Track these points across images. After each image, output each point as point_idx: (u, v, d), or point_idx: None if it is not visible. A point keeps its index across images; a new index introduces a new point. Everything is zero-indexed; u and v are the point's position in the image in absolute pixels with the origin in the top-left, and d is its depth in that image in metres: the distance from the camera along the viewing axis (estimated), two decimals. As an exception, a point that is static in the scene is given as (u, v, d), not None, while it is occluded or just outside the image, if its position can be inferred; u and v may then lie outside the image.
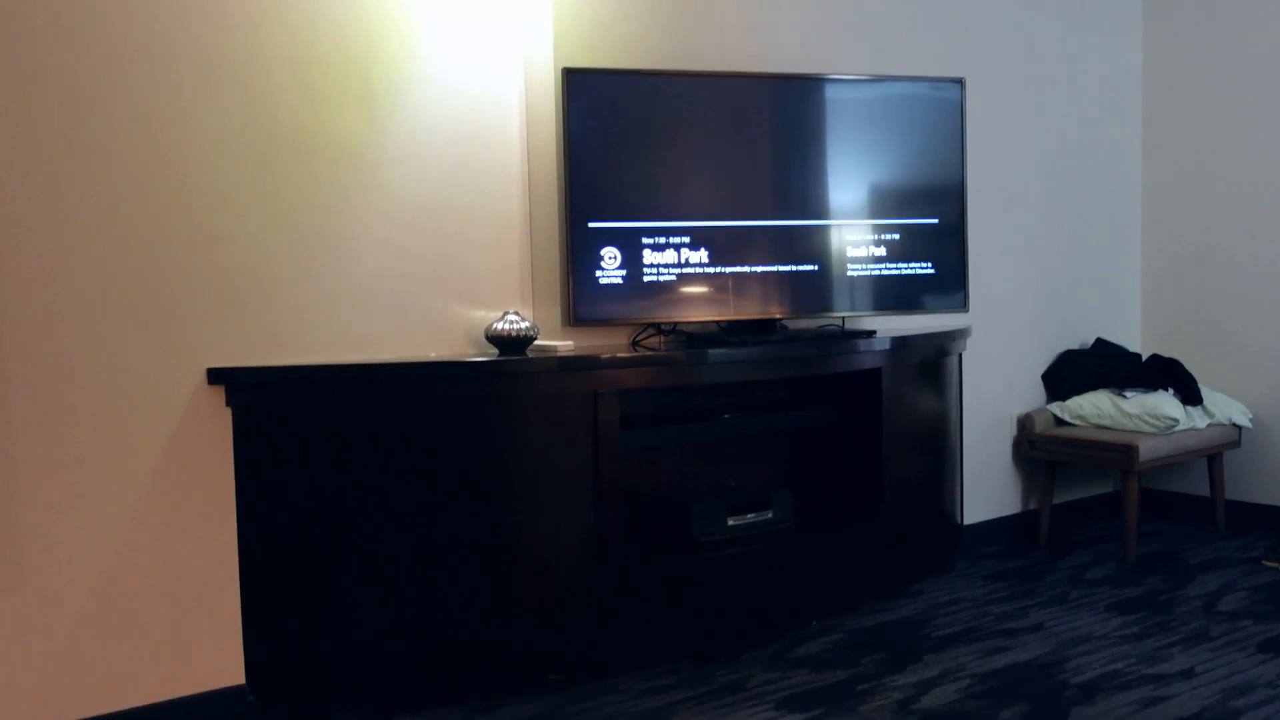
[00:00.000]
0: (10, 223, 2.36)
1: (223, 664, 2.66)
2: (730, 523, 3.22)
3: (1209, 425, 4.13)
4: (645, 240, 3.16)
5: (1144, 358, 4.46)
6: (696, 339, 3.25)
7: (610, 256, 3.13)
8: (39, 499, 2.42)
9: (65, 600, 2.45)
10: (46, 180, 2.40)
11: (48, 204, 2.41)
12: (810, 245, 3.37)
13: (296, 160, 2.74)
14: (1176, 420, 3.96)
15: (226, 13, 2.62)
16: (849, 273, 3.42)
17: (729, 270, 3.26)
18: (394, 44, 2.88)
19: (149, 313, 2.54)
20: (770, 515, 3.30)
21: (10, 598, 2.39)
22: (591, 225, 3.10)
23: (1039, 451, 4.20)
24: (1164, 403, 4.01)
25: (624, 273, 3.14)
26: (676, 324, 3.29)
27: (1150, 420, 3.98)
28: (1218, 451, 4.20)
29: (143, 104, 2.52)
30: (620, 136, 3.14)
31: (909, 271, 3.51)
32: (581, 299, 3.09)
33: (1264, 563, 3.83)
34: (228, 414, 2.65)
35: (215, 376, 2.62)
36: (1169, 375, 4.19)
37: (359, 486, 2.67)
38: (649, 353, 3.05)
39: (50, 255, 2.41)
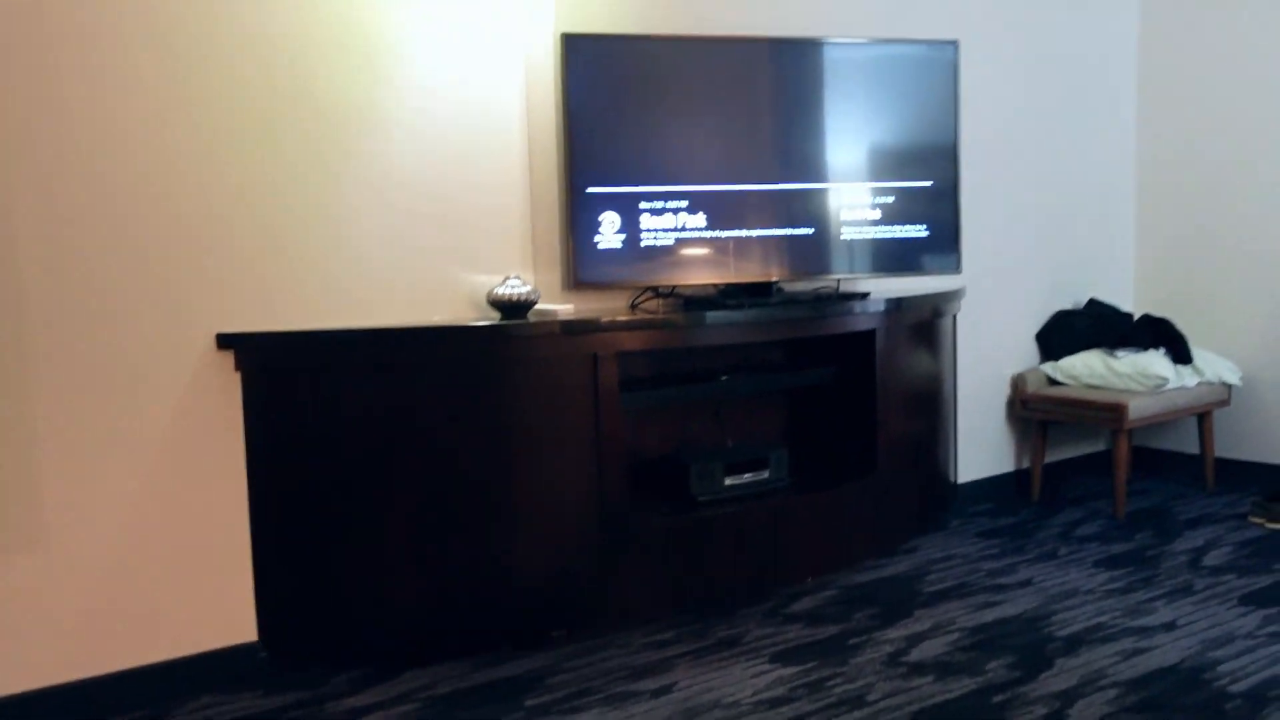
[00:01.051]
0: (26, 196, 2.41)
1: (235, 621, 2.74)
2: (727, 482, 3.30)
3: (1199, 384, 4.19)
4: (643, 205, 3.20)
5: (1136, 318, 4.52)
6: (694, 302, 3.31)
7: (609, 221, 3.17)
8: (58, 461, 2.49)
9: (84, 559, 2.53)
10: (57, 155, 2.45)
11: (60, 178, 2.45)
12: (806, 208, 3.41)
13: (298, 126, 2.78)
14: (1166, 379, 4.03)
15: (228, -18, 2.65)
16: (844, 235, 3.47)
17: (726, 234, 3.31)
18: (396, 6, 2.91)
19: (159, 280, 2.59)
20: (767, 474, 3.38)
21: (32, 556, 2.47)
22: (590, 190, 3.14)
23: (1032, 411, 4.27)
24: (1154, 362, 4.07)
25: (623, 237, 3.19)
26: (675, 287, 3.35)
27: (1141, 379, 4.05)
28: (1207, 410, 4.28)
29: (147, 74, 2.55)
30: (619, 101, 3.17)
31: (903, 234, 3.56)
32: (581, 263, 3.15)
33: (1250, 518, 3.92)
34: (237, 378, 2.71)
35: (224, 341, 2.68)
36: (1160, 335, 4.26)
37: (365, 448, 2.74)
38: (647, 316, 3.10)
39: (64, 228, 2.46)
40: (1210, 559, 3.49)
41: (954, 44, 3.61)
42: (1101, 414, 4.01)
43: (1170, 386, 4.06)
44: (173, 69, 2.59)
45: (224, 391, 2.70)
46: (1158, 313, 4.54)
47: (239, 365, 2.71)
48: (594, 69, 3.13)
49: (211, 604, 2.71)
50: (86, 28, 2.47)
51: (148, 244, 2.58)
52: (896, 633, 2.91)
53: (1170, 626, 2.91)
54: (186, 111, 2.61)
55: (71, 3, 2.45)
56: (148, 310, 2.58)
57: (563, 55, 3.09)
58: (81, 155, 2.48)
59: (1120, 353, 4.17)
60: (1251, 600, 3.09)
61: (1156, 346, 4.20)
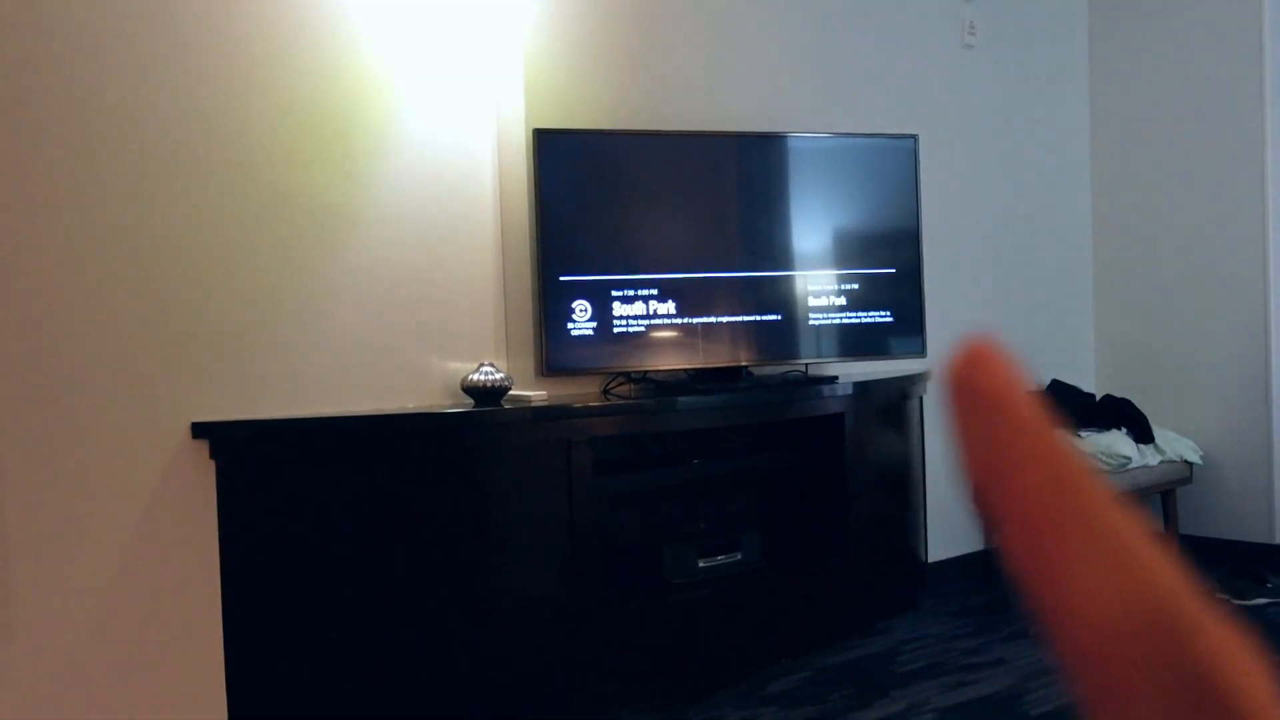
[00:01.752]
0: (2, 285, 2.44)
1: (206, 712, 2.71)
2: (701, 564, 3.32)
3: (1161, 463, 4.28)
4: (615, 292, 3.28)
5: (1098, 398, 4.62)
6: (666, 386, 3.37)
7: (581, 309, 3.24)
8: (27, 550, 2.48)
9: (52, 651, 2.51)
10: (35, 242, 2.49)
11: (35, 262, 2.49)
12: (774, 295, 3.50)
13: (277, 219, 2.84)
14: (1129, 459, 4.11)
15: (208, 77, 2.73)
16: (811, 321, 3.56)
17: (696, 320, 3.38)
18: (372, 106, 3.00)
19: (135, 369, 2.62)
20: (740, 556, 3.40)
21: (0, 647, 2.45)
22: (563, 278, 3.21)
23: (999, 490, 4.32)
24: (1117, 441, 4.16)
25: (595, 324, 3.26)
26: (646, 372, 3.40)
27: (1104, 459, 4.13)
28: (1170, 488, 4.36)
29: (127, 167, 2.62)
30: (590, 193, 3.27)
31: (869, 320, 3.65)
32: (554, 350, 3.20)
33: (1217, 596, 3.96)
34: (212, 466, 2.72)
35: (199, 430, 2.69)
36: (1121, 415, 4.36)
37: (340, 536, 2.75)
38: (620, 401, 3.15)
39: (40, 314, 2.49)
40: (1179, 636, 3.52)
41: (914, 137, 3.76)
42: (1067, 493, 4.06)
43: (1133, 465, 4.14)
44: (153, 168, 2.65)
45: (198, 481, 2.70)
46: (1118, 393, 4.65)
47: (213, 454, 2.72)
48: (565, 162, 3.23)
49: (182, 698, 2.68)
50: (70, 128, 2.54)
51: (123, 331, 2.61)
52: (873, 714, 2.92)
53: (1141, 704, 2.93)
54: (166, 203, 2.67)
55: (57, 87, 2.52)
56: (122, 398, 2.60)
57: (534, 149, 3.19)
58: (57, 240, 2.52)
59: (1084, 433, 4.25)
60: (1220, 676, 3.12)
61: (1119, 426, 4.29)
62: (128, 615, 2.61)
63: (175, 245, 2.69)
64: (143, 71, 2.64)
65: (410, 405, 3.05)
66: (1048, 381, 4.68)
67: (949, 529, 4.35)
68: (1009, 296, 4.60)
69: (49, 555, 2.50)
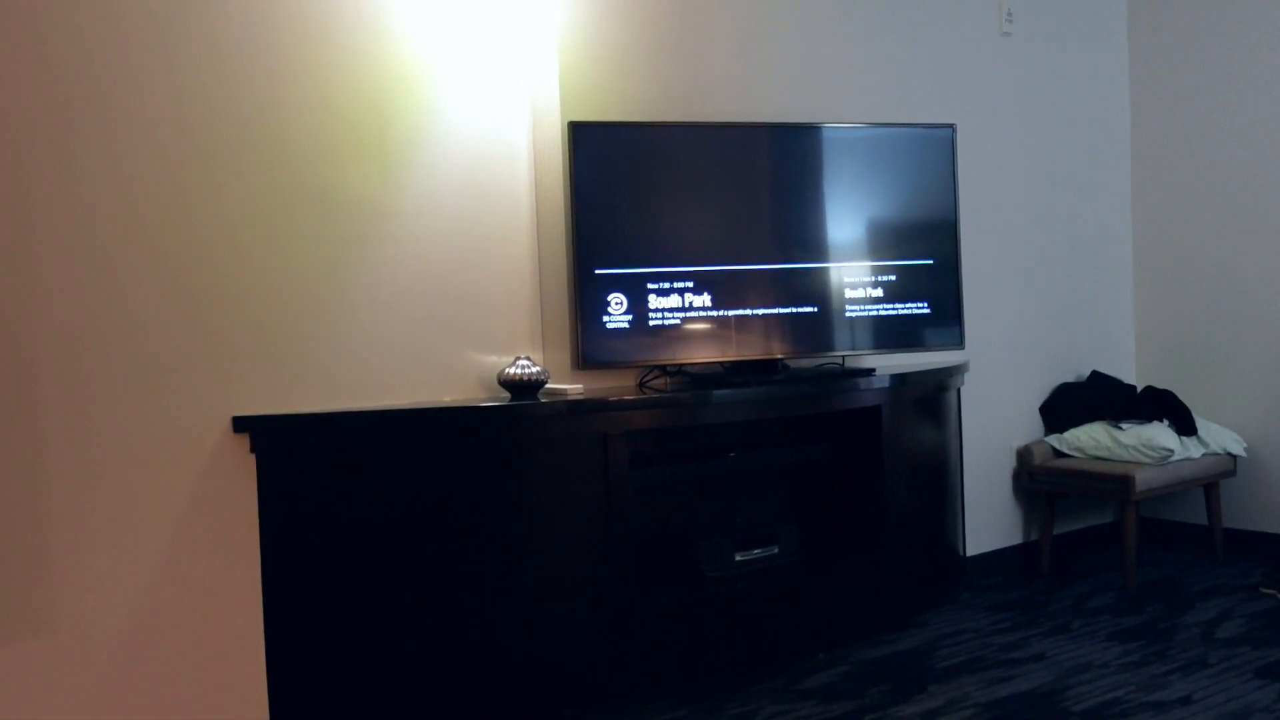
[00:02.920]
0: (45, 285, 2.47)
1: (247, 706, 2.73)
2: (738, 558, 3.31)
3: (1204, 455, 4.21)
4: (650, 285, 3.27)
5: (1139, 389, 4.56)
6: (701, 379, 3.36)
7: (616, 302, 3.23)
8: (71, 545, 2.51)
9: (95, 643, 2.54)
10: (78, 244, 2.52)
11: (80, 266, 2.52)
12: (810, 287, 3.48)
13: (314, 215, 2.86)
14: (1172, 450, 4.05)
15: (245, 76, 2.74)
16: (848, 313, 3.53)
17: (731, 313, 3.37)
18: (408, 100, 3.01)
19: (176, 365, 2.65)
20: (776, 550, 3.38)
21: (44, 640, 2.48)
22: (598, 272, 3.21)
23: (1038, 483, 4.28)
24: (1159, 434, 4.10)
25: (630, 317, 3.25)
26: (681, 365, 3.39)
27: (1146, 451, 4.07)
28: (1213, 480, 4.29)
29: (166, 168, 2.64)
30: (625, 186, 3.26)
31: (905, 311, 3.61)
32: (589, 343, 3.20)
33: (1261, 589, 3.91)
34: (252, 460, 2.74)
35: (240, 424, 2.72)
36: (1163, 406, 4.29)
37: (377, 529, 2.77)
38: (655, 394, 3.15)
39: (83, 313, 2.52)
40: (1223, 631, 3.47)
41: (951, 127, 3.71)
42: (1109, 486, 4.03)
43: (1176, 458, 4.08)
44: (191, 166, 2.67)
45: (239, 474, 2.73)
46: (1160, 384, 4.58)
47: (254, 447, 2.74)
48: (600, 155, 3.22)
49: (223, 688, 2.70)
50: (105, 129, 2.56)
51: (164, 327, 2.63)
52: (911, 709, 2.90)
53: (1186, 701, 2.89)
54: (205, 200, 2.69)
55: (91, 105, 2.54)
56: (164, 393, 2.63)
57: (569, 142, 3.18)
58: (99, 238, 2.55)
59: (1125, 424, 4.20)
60: (1267, 673, 3.07)
61: (1160, 418, 4.23)
62: (169, 607, 2.63)
63: (213, 241, 2.71)
64: (180, 68, 2.65)
65: (447, 399, 3.06)
66: (1088, 373, 4.63)
67: (987, 522, 4.32)
68: (1048, 287, 4.54)
69: (92, 548, 2.53)
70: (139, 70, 2.60)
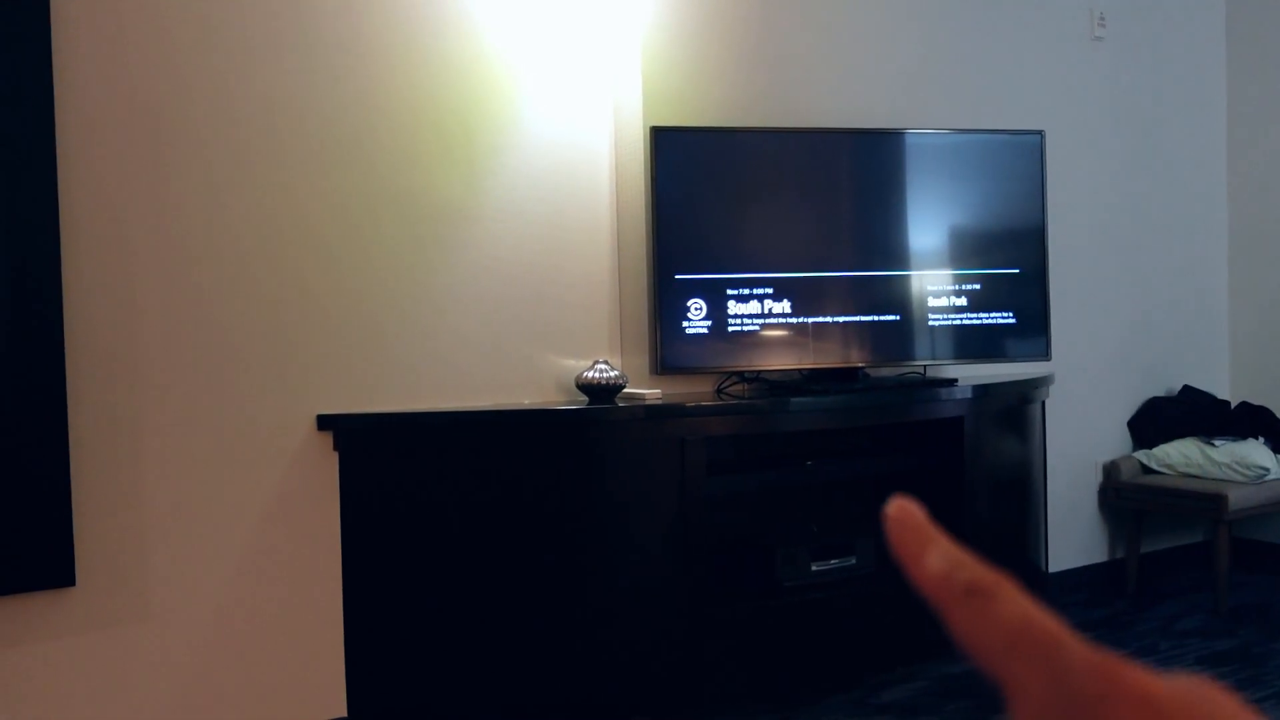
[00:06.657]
0: (144, 293, 2.55)
1: (326, 696, 2.79)
2: (814, 568, 3.27)
3: (1302, 475, 4.06)
4: (730, 291, 3.26)
5: (1233, 405, 4.41)
6: (779, 386, 3.33)
7: (696, 307, 3.23)
8: (165, 535, 2.58)
9: (184, 630, 2.61)
10: (174, 251, 2.59)
11: (176, 272, 2.59)
12: (891, 295, 3.43)
13: (401, 218, 2.90)
14: (1267, 469, 3.91)
15: (335, 76, 2.80)
16: (930, 322, 3.47)
17: (811, 320, 3.34)
18: (493, 105, 3.04)
19: (264, 365, 2.71)
20: (854, 560, 3.34)
21: (141, 626, 2.56)
22: (678, 277, 3.20)
23: (1125, 500, 4.17)
24: (1254, 451, 3.96)
25: (709, 323, 3.24)
26: (760, 372, 3.37)
27: (1240, 469, 3.93)
28: (1312, 501, 4.13)
29: (259, 174, 2.70)
30: (706, 191, 3.25)
31: (990, 321, 3.54)
32: (668, 348, 3.19)
33: (1362, 616, 3.75)
34: (335, 457, 2.79)
35: (324, 423, 2.77)
36: (1259, 423, 4.14)
37: (453, 527, 2.80)
38: (733, 401, 3.13)
39: (177, 318, 2.60)
40: (1321, 658, 3.34)
41: (1040, 133, 3.64)
42: (1201, 504, 3.90)
43: (1272, 476, 3.94)
44: (283, 172, 2.74)
45: (323, 470, 2.78)
46: (1255, 400, 4.42)
47: (337, 445, 2.79)
48: (681, 160, 3.21)
49: (303, 678, 2.76)
50: (203, 141, 2.63)
51: (254, 327, 2.70)
52: (990, 728, 2.84)
53: (1281, 728, 2.79)
54: (294, 205, 2.75)
55: (189, 116, 2.61)
56: (253, 391, 2.69)
57: (651, 147, 3.18)
58: (196, 242, 2.62)
59: (1218, 441, 4.06)
60: (1368, 703, 2.95)
61: (1255, 435, 4.08)
62: (255, 598, 2.69)
63: (301, 244, 2.76)
64: (270, 75, 2.72)
65: (526, 401, 3.08)
66: (1179, 388, 4.49)
67: (1071, 539, 4.21)
68: (1139, 298, 4.42)
69: (184, 539, 2.61)
70: (228, 77, 2.67)
